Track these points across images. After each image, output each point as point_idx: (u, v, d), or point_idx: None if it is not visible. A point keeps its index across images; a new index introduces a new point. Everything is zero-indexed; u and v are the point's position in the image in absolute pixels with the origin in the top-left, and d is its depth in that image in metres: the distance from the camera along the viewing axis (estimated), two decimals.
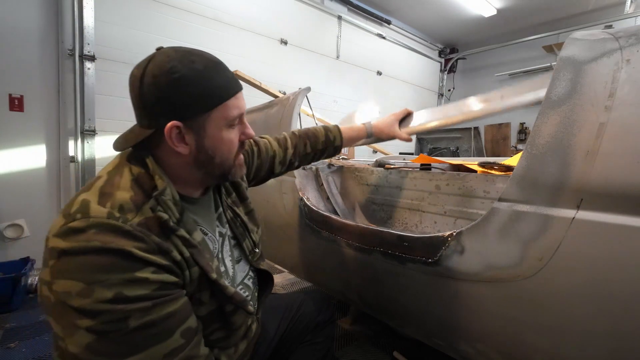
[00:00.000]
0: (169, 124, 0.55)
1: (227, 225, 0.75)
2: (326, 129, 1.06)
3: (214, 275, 0.60)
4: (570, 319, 0.66)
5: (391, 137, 1.11)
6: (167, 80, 0.54)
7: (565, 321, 0.67)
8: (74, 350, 0.47)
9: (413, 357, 1.39)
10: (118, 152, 0.62)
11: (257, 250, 0.82)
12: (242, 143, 0.67)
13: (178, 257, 0.54)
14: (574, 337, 0.67)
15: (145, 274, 0.49)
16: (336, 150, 1.08)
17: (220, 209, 0.75)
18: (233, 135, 0.64)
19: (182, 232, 0.57)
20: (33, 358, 1.41)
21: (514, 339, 0.77)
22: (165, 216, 0.54)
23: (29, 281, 1.98)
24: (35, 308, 1.86)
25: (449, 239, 0.81)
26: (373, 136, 1.12)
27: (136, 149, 0.60)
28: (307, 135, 1.05)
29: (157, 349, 0.50)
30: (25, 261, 2.06)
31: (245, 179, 0.89)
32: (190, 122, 0.57)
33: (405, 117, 1.14)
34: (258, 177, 0.98)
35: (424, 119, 1.11)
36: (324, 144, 1.05)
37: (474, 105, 1.00)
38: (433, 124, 1.09)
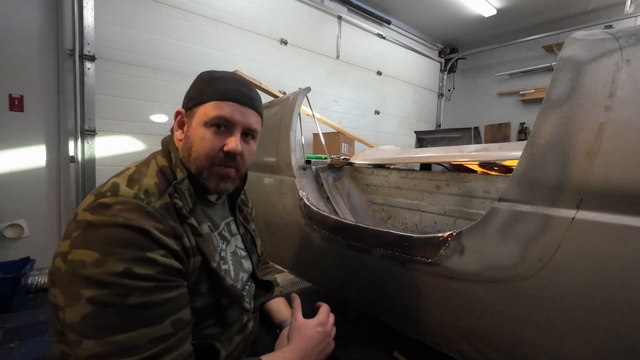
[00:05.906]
0: (177, 110, 0.69)
1: (237, 236, 0.82)
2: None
3: (214, 264, 0.62)
4: (570, 318, 0.66)
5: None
6: (194, 81, 0.71)
7: (565, 321, 0.67)
8: (70, 320, 0.49)
9: (413, 357, 1.39)
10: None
11: (261, 264, 0.90)
12: (227, 154, 0.65)
13: (187, 243, 0.59)
14: (573, 337, 0.67)
15: (156, 255, 0.53)
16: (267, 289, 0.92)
17: (232, 219, 0.82)
18: (208, 135, 0.64)
19: (193, 220, 0.62)
20: (33, 358, 1.41)
21: (514, 338, 0.77)
22: (179, 203, 0.60)
23: (29, 281, 1.98)
24: (35, 308, 1.86)
25: (449, 239, 0.81)
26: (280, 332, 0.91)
27: (165, 144, 0.71)
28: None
29: (146, 331, 0.51)
30: (25, 261, 2.05)
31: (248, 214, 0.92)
32: (189, 112, 0.68)
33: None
34: None
35: None
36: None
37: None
38: None
